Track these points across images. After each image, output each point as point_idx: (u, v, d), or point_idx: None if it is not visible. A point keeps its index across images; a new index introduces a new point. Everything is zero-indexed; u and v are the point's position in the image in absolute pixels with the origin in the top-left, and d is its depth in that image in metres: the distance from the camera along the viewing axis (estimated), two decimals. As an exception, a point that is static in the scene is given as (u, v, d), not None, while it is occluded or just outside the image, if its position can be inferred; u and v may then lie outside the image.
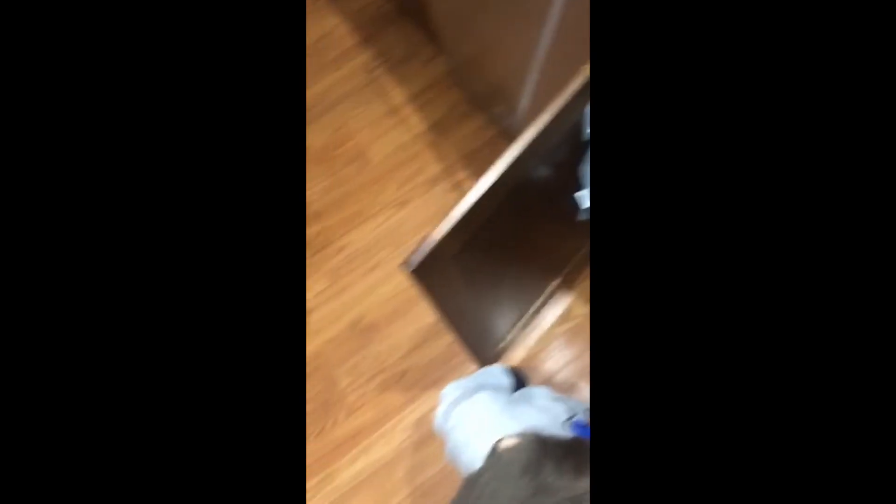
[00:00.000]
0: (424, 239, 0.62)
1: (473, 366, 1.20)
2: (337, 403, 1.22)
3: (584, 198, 0.74)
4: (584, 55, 0.60)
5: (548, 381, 1.15)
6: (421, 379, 1.21)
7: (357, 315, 1.31)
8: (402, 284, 1.32)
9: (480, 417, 0.63)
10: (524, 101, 1.16)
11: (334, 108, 1.57)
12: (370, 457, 1.15)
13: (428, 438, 1.15)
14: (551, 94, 0.62)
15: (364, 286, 1.34)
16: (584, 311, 1.20)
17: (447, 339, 1.24)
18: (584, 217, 0.86)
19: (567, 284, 1.22)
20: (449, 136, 1.47)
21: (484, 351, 1.11)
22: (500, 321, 1.09)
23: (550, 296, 1.21)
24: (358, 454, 1.16)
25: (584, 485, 0.46)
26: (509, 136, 1.41)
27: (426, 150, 1.47)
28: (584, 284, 1.22)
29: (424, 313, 1.27)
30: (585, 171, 0.72)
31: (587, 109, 0.65)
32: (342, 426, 1.19)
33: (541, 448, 0.52)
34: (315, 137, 1.55)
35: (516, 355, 1.19)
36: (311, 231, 1.42)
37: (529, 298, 1.15)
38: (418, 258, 0.61)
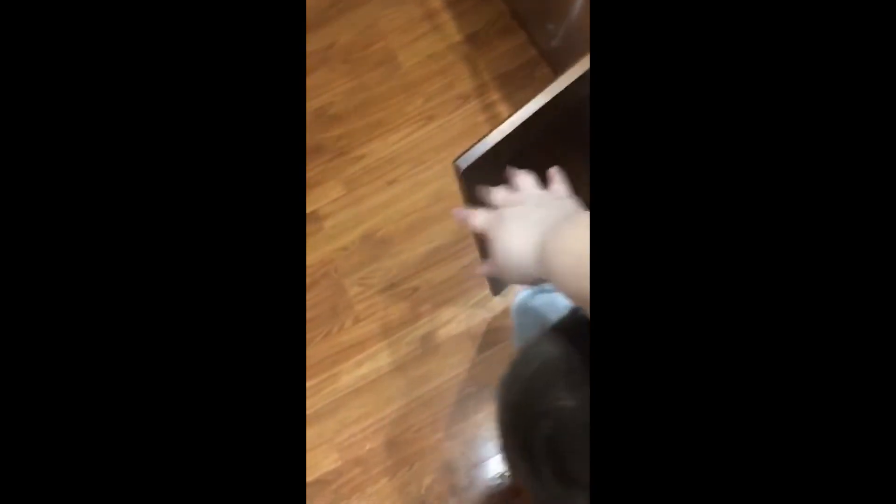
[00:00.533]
0: (482, 138, 0.59)
1: (484, 290, 1.21)
2: (345, 311, 1.23)
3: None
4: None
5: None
6: (431, 297, 1.22)
7: (371, 227, 1.29)
8: (421, 202, 1.29)
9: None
10: (573, 19, 1.08)
11: (365, 4, 1.45)
12: (374, 364, 1.18)
13: (432, 355, 1.18)
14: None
15: (381, 199, 1.31)
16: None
17: (461, 262, 1.24)
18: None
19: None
20: (486, 51, 1.38)
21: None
22: None
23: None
24: (363, 360, 1.19)
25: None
26: (552, 61, 1.33)
27: (459, 64, 1.39)
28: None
29: (440, 234, 1.26)
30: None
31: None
32: (349, 332, 1.21)
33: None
34: (341, 33, 1.44)
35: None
36: (331, 135, 1.36)
37: None
38: (471, 158, 0.59)
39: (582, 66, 0.59)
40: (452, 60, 1.39)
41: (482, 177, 0.63)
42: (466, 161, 0.58)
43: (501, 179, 0.70)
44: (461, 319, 1.20)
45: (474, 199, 0.67)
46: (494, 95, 1.35)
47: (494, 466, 1.09)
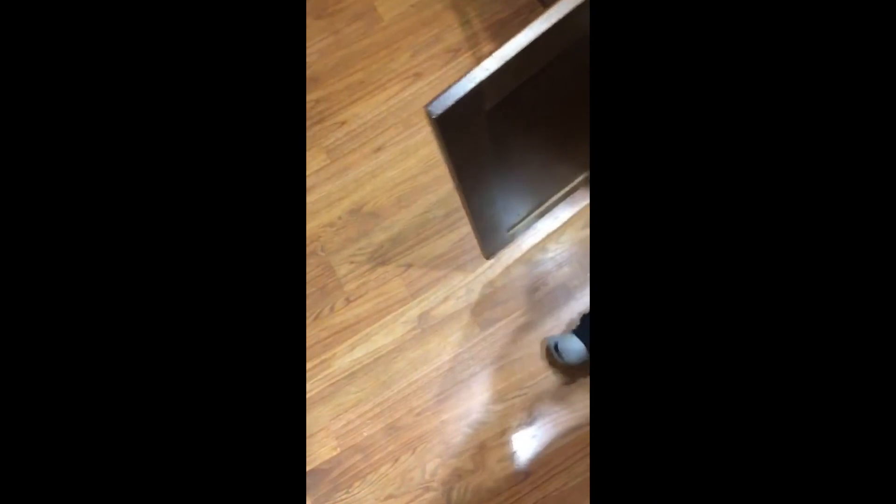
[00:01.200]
0: (457, 81, 0.49)
1: (481, 265, 1.13)
2: (335, 291, 1.15)
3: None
4: None
5: (563, 286, 1.09)
6: (426, 273, 1.14)
7: (358, 200, 1.19)
8: (411, 171, 1.19)
9: None
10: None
11: (338, -52, 1.30)
12: (369, 346, 1.11)
13: (431, 334, 1.11)
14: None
15: (367, 168, 1.20)
16: (608, 215, 1.11)
17: (457, 234, 1.15)
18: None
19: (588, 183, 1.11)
20: (476, -3, 1.24)
21: (493, 232, 1.02)
22: (517, 202, 0.99)
23: (574, 190, 1.10)
24: (356, 342, 1.12)
25: None
26: (550, 4, 1.20)
27: (447, 13, 1.25)
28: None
29: (433, 204, 1.16)
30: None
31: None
32: (340, 314, 1.14)
33: None
34: (314, -17, 1.29)
35: (523, 246, 1.11)
36: (308, 99, 1.24)
37: (553, 186, 1.05)
38: (448, 102, 0.49)
39: None
40: (439, 10, 1.25)
41: (463, 128, 0.53)
42: (441, 106, 0.48)
43: (485, 132, 0.60)
44: (460, 296, 1.12)
45: (454, 154, 0.57)
46: (487, 47, 1.22)
47: (500, 449, 1.03)
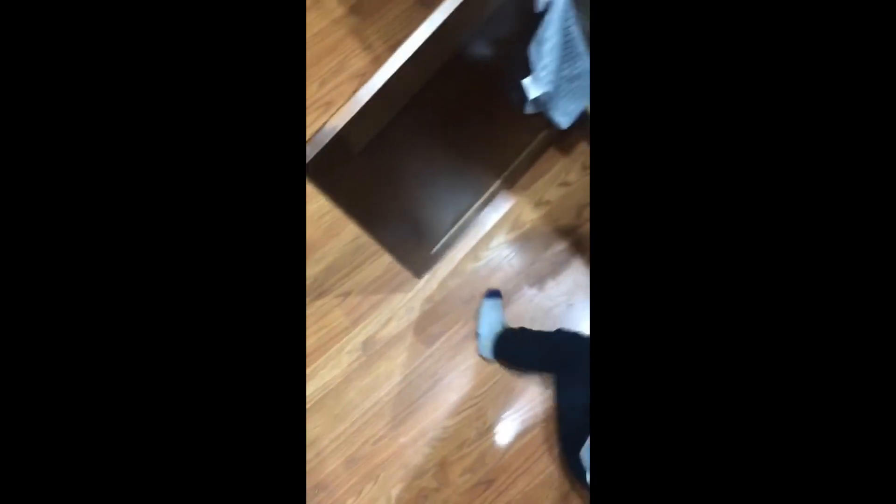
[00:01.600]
0: (320, 129, 0.49)
1: (418, 282, 1.13)
2: (275, 332, 1.13)
3: (529, 85, 0.62)
4: None
5: (502, 289, 1.11)
6: (365, 299, 1.14)
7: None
8: (335, 199, 1.19)
9: None
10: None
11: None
12: (318, 381, 1.10)
13: (379, 359, 1.10)
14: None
15: (292, 203, 1.19)
16: (532, 216, 1.13)
17: (390, 257, 1.15)
18: (532, 109, 0.75)
19: (508, 185, 1.13)
20: (374, 19, 1.26)
21: (415, 256, 1.03)
22: (434, 221, 1.00)
23: (493, 196, 1.12)
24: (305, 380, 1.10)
25: None
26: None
27: (348, 40, 1.26)
28: (532, 186, 1.14)
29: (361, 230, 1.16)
30: (536, 51, 0.59)
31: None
32: (283, 355, 1.12)
33: None
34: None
35: (454, 258, 1.12)
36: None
37: (466, 199, 1.06)
38: (311, 153, 0.49)
39: (445, 8, 0.48)
40: (340, 36, 1.26)
41: (336, 172, 0.53)
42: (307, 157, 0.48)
43: (366, 171, 0.60)
44: (401, 316, 1.12)
45: (339, 198, 0.58)
46: (393, 67, 1.24)
47: (461, 462, 1.04)
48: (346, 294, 1.14)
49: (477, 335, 1.07)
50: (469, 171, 0.97)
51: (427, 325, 1.11)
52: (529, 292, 1.10)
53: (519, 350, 1.01)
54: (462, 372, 1.08)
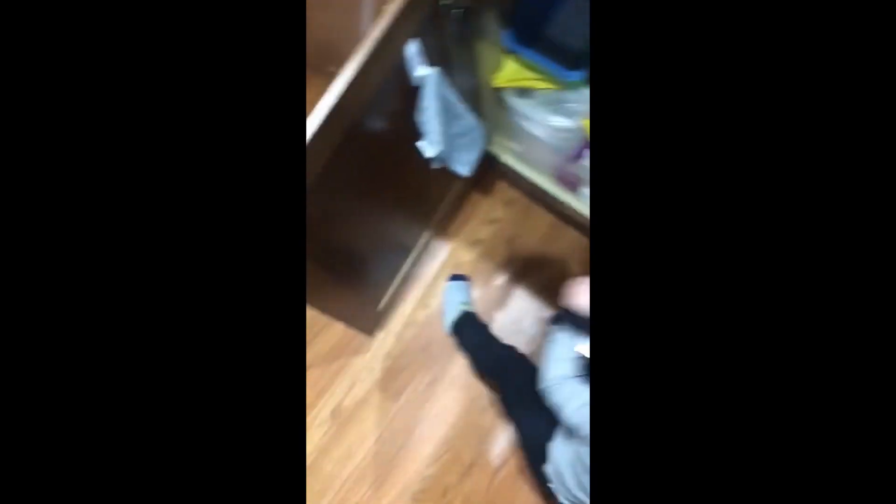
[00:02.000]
0: None
1: (375, 340, 1.16)
2: (240, 421, 1.12)
3: (425, 146, 0.70)
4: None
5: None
6: (325, 370, 1.15)
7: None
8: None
9: None
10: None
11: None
12: (291, 463, 1.09)
13: (347, 427, 1.11)
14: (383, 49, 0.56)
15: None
16: (469, 256, 1.20)
17: (340, 327, 1.18)
18: (436, 164, 0.83)
19: (441, 232, 1.20)
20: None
21: (365, 315, 1.07)
22: (376, 280, 1.05)
23: (428, 245, 1.19)
24: (277, 465, 1.09)
25: None
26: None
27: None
28: (464, 230, 1.21)
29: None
30: (420, 118, 0.67)
31: (410, 49, 0.60)
32: (253, 443, 1.10)
33: None
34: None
35: (405, 310, 1.17)
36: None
37: (403, 251, 1.12)
38: None
39: (335, 91, 0.55)
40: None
41: None
42: None
43: None
44: (363, 378, 1.14)
45: None
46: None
47: (449, 509, 1.04)
48: (308, 366, 1.15)
49: (443, 313, 1.13)
50: (400, 228, 1.03)
51: (390, 381, 1.13)
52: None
53: (471, 341, 1.07)
54: (433, 420, 1.10)
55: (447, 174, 0.98)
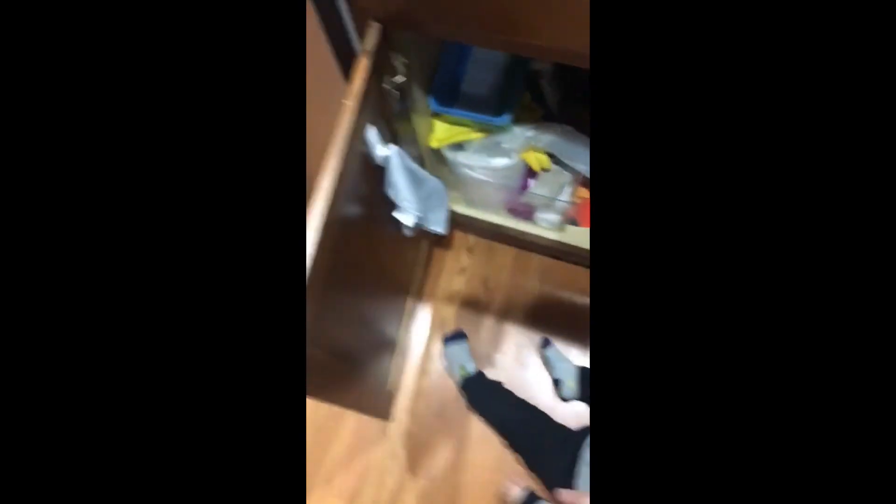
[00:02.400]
0: None
1: (389, 425, 1.12)
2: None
3: (404, 216, 0.73)
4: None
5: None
6: (348, 474, 1.09)
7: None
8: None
9: None
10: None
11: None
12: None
13: (390, 523, 1.04)
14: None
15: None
16: (451, 310, 1.21)
17: (353, 421, 1.13)
18: (410, 232, 0.86)
19: (419, 298, 1.22)
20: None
21: (378, 398, 1.04)
22: (377, 362, 1.03)
23: (411, 314, 1.19)
24: None
25: None
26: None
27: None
28: (438, 286, 1.23)
29: (313, 407, 1.14)
30: (392, 191, 0.71)
31: (371, 133, 0.63)
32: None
33: None
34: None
35: (407, 384, 1.15)
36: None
37: (393, 326, 1.12)
38: None
39: (324, 193, 0.57)
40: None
41: None
42: None
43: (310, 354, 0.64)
44: (390, 468, 1.09)
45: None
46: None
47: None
48: (329, 480, 1.08)
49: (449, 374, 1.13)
50: (383, 305, 1.03)
51: (418, 460, 1.09)
52: (487, 373, 1.15)
53: (480, 407, 1.08)
54: (473, 484, 1.06)
55: (413, 240, 1.01)
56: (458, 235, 1.28)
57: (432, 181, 0.75)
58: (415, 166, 0.70)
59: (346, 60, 0.81)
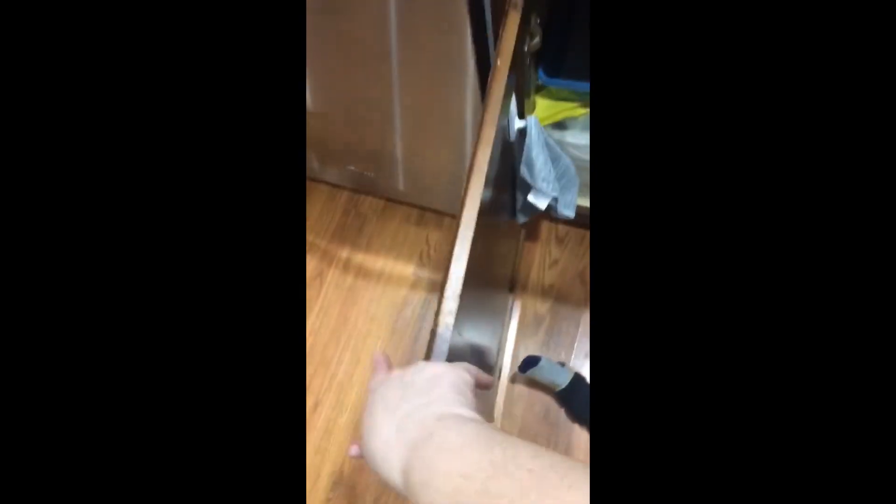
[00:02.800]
0: (438, 321, 0.47)
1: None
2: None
3: (537, 199, 0.65)
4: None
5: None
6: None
7: (334, 470, 1.05)
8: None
9: None
10: (390, 150, 1.04)
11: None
12: None
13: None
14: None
15: (324, 436, 1.08)
16: (545, 306, 1.13)
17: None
18: (524, 218, 0.78)
19: (518, 293, 1.14)
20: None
21: (483, 402, 0.97)
22: (485, 368, 0.97)
23: (512, 308, 1.12)
24: None
25: None
26: (371, 190, 1.28)
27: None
28: (529, 282, 1.15)
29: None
30: (528, 171, 0.63)
31: (512, 107, 0.56)
32: None
33: None
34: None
35: (501, 384, 1.07)
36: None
37: (501, 322, 1.05)
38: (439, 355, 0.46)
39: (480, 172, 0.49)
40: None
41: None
42: (441, 343, 0.45)
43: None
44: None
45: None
46: (343, 252, 1.24)
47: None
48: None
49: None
50: (492, 303, 0.97)
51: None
52: (585, 363, 1.07)
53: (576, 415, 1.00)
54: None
55: (514, 230, 0.94)
56: (546, 226, 1.19)
57: (565, 158, 0.67)
58: (552, 141, 0.62)
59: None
